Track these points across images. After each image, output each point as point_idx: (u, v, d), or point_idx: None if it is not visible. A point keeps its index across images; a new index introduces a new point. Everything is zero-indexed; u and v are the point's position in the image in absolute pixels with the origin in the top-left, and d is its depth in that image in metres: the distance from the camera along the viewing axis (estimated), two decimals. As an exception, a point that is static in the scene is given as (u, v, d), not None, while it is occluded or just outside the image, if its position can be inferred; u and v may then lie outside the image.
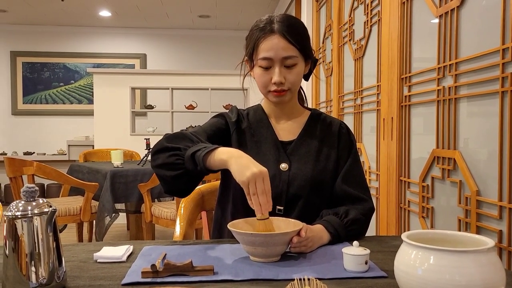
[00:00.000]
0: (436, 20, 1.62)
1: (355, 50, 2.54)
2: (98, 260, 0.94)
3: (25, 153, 6.21)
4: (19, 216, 0.76)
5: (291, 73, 1.17)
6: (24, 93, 6.50)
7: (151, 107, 5.35)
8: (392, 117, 1.96)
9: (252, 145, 1.23)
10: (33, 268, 0.76)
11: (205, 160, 1.03)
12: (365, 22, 2.37)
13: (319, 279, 0.79)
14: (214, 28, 6.66)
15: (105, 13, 5.88)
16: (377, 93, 2.17)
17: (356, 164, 1.24)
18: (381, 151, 2.09)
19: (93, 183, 3.05)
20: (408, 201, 1.85)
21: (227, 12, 5.84)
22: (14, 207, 0.77)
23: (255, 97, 1.42)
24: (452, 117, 1.50)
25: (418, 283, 0.65)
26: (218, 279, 0.82)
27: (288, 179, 1.18)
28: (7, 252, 0.76)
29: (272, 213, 1.13)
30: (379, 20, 2.16)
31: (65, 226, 3.38)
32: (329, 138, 1.25)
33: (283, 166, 1.19)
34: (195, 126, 1.62)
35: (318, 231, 1.05)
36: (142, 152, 4.15)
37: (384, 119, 2.04)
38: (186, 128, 4.98)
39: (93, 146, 5.41)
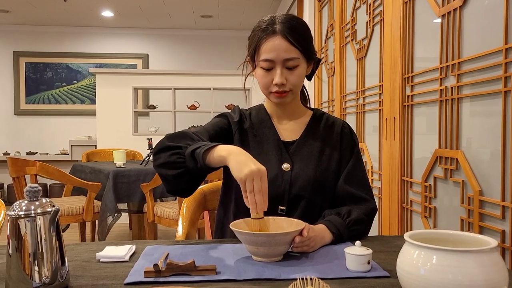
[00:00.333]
0: (439, 20, 1.61)
1: (357, 50, 2.54)
2: (100, 260, 0.95)
3: (28, 153, 6.22)
4: (22, 216, 0.76)
5: (293, 74, 1.17)
6: (27, 93, 6.52)
7: (153, 107, 5.35)
8: (394, 117, 1.95)
9: (255, 145, 1.23)
10: (36, 268, 0.76)
11: (205, 157, 1.03)
12: (367, 22, 2.37)
13: (322, 279, 0.80)
14: (216, 28, 6.66)
15: (107, 13, 5.89)
16: (380, 93, 2.17)
17: (358, 164, 1.24)
18: (384, 151, 2.08)
19: (96, 183, 3.06)
20: (411, 201, 1.85)
21: (229, 12, 5.84)
22: (17, 206, 0.77)
23: (258, 97, 1.42)
24: (454, 117, 1.49)
25: (420, 283, 0.65)
26: (220, 279, 0.82)
27: (290, 179, 1.18)
28: (10, 251, 0.77)
29: (275, 213, 1.13)
30: (381, 20, 2.15)
31: (68, 225, 3.39)
32: (332, 138, 1.25)
33: (286, 166, 1.19)
34: (197, 126, 1.62)
35: (320, 231, 1.05)
36: (144, 152, 4.15)
37: (386, 119, 2.04)
38: (188, 128, 4.98)
39: (95, 146, 5.42)
